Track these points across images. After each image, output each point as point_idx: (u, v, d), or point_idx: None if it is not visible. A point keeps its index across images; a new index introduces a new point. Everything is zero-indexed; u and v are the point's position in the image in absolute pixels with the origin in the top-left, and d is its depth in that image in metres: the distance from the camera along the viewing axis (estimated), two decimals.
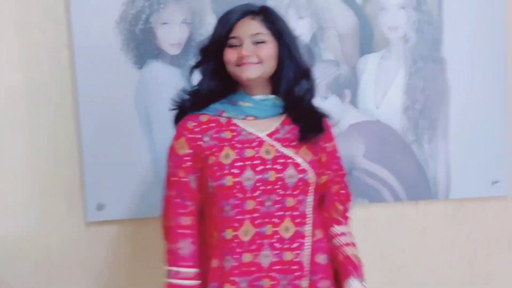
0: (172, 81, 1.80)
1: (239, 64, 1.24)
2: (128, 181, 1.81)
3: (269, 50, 1.26)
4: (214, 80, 1.31)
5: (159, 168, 1.71)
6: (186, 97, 1.35)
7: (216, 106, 1.32)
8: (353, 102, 1.89)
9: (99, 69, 1.89)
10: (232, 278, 1.23)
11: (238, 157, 1.25)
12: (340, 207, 1.41)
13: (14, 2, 1.93)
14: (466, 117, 2.03)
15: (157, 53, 1.87)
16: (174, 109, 1.37)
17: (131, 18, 1.86)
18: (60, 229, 1.95)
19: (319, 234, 1.32)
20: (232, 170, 1.23)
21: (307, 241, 1.27)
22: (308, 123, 1.32)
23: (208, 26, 1.79)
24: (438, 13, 1.97)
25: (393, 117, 2.00)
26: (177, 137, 1.32)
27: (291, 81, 1.31)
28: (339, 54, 1.92)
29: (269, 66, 1.28)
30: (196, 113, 1.32)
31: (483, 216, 2.08)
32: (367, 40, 1.96)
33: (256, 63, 1.24)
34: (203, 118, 1.31)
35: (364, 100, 1.97)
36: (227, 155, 1.25)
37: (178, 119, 1.35)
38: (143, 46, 1.87)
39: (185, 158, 1.28)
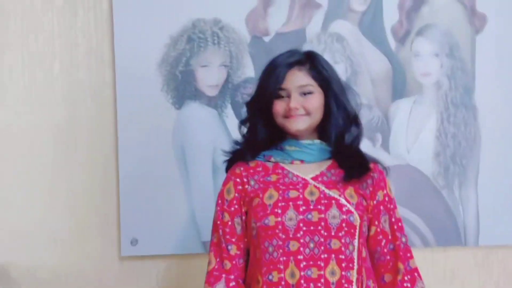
0: (208, 121, 1.87)
1: (287, 116, 1.25)
2: (162, 218, 1.85)
3: (316, 101, 1.27)
4: (263, 131, 1.32)
5: (192, 207, 1.78)
6: (237, 147, 1.37)
7: (265, 153, 1.34)
8: (384, 146, 1.89)
9: (139, 108, 1.95)
10: None
11: (281, 197, 1.24)
12: (401, 267, 1.32)
13: (61, 40, 2.00)
14: (497, 165, 2.02)
15: (196, 94, 1.92)
16: (226, 160, 1.39)
17: (172, 60, 1.92)
18: (95, 262, 1.99)
19: (370, 283, 1.27)
20: (275, 210, 1.23)
21: (354, 287, 1.23)
22: (353, 164, 1.30)
23: (244, 68, 1.89)
24: (471, 61, 1.98)
25: (424, 162, 2.00)
26: (225, 182, 1.34)
27: (340, 128, 1.31)
28: (372, 98, 1.93)
29: (317, 116, 1.28)
30: (245, 161, 1.35)
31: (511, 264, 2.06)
32: (400, 85, 1.98)
33: (304, 115, 1.25)
34: (252, 163, 1.32)
35: (396, 144, 1.98)
36: (271, 196, 1.25)
37: (229, 168, 1.38)
38: (182, 87, 1.93)
39: (232, 202, 1.30)
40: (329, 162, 1.32)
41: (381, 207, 1.34)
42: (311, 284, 1.19)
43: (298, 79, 1.26)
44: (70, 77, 1.97)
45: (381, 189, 1.35)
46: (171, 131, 1.92)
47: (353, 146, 1.33)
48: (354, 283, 1.21)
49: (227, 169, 1.37)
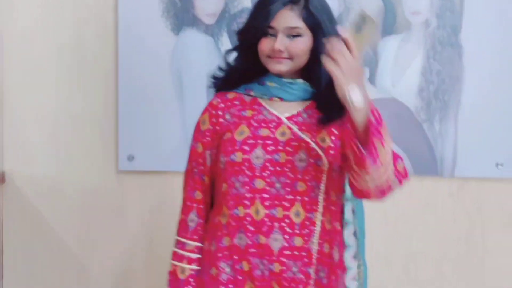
0: (205, 48, 1.91)
1: (270, 56, 1.21)
2: (157, 137, 1.92)
3: (302, 45, 1.20)
4: (248, 62, 1.28)
5: (186, 128, 1.80)
6: (221, 75, 1.33)
7: (246, 86, 1.30)
8: (371, 79, 1.93)
9: (139, 32, 2.00)
10: (248, 257, 1.20)
11: (251, 134, 1.22)
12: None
13: None
14: (477, 102, 2.04)
15: (193, 22, 1.94)
16: (211, 87, 1.37)
17: None
18: (94, 175, 2.08)
19: (333, 226, 1.25)
20: (243, 147, 1.21)
21: (317, 229, 1.22)
22: (333, 107, 1.19)
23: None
24: (460, 1, 1.99)
25: (408, 96, 2.04)
26: (203, 113, 1.32)
27: (326, 74, 1.15)
28: None
29: (301, 60, 1.23)
30: (225, 91, 1.32)
31: (485, 196, 2.10)
32: (389, 22, 1.98)
33: (287, 58, 1.20)
34: (230, 95, 1.30)
35: (382, 78, 2.01)
36: (242, 132, 1.23)
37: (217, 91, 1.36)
38: (181, 14, 1.96)
39: (205, 133, 1.28)
40: (307, 103, 1.28)
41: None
42: (275, 224, 1.19)
43: (288, 20, 1.20)
44: (76, 2, 2.01)
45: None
46: (169, 55, 1.95)
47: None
48: (317, 225, 1.21)
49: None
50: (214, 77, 1.34)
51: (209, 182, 1.29)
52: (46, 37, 2.04)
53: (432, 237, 1.97)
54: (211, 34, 1.89)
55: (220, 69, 1.33)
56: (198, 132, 1.30)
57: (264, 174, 1.19)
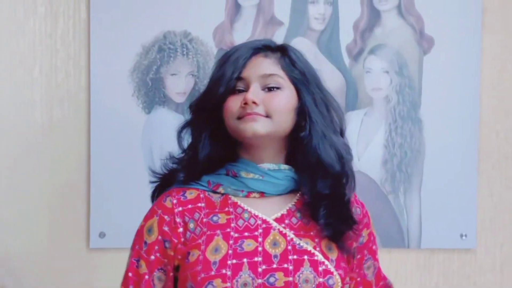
0: (175, 125, 1.91)
1: (241, 116, 0.91)
2: (128, 214, 1.88)
3: (283, 100, 0.93)
4: (208, 144, 0.97)
5: None
6: (172, 166, 1.04)
7: (210, 179, 0.98)
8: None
9: (111, 111, 1.98)
10: None
11: (231, 251, 0.90)
12: None
13: (42, 46, 2.01)
14: (439, 173, 2.07)
15: (164, 100, 1.97)
16: (154, 182, 1.07)
17: (143, 68, 1.99)
18: (65, 252, 2.02)
19: None
20: (223, 271, 0.88)
21: None
22: (332, 219, 0.94)
23: None
24: (418, 79, 2.06)
25: (373, 169, 2.05)
26: (148, 216, 0.99)
27: (318, 146, 0.93)
28: None
29: (282, 121, 0.93)
30: (182, 186, 0.99)
31: (451, 266, 2.10)
32: (352, 98, 2.02)
33: (265, 116, 0.91)
34: (190, 194, 0.97)
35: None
36: (217, 248, 0.90)
37: (157, 194, 1.05)
38: (152, 93, 1.99)
39: (152, 247, 0.94)
40: (296, 197, 1.00)
41: (365, 251, 1.07)
42: None
43: (263, 66, 0.93)
44: (49, 80, 2.00)
45: (365, 227, 1.09)
46: (140, 133, 1.95)
47: (340, 191, 0.97)
48: None
49: (153, 197, 1.07)
50: (164, 171, 1.05)
51: None
52: (17, 117, 2.03)
53: None
54: (181, 112, 1.92)
55: (172, 157, 1.04)
56: (140, 244, 0.96)
57: None
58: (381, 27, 2.05)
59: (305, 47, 1.98)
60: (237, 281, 0.86)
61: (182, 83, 1.96)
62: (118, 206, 1.91)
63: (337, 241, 0.95)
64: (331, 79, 1.98)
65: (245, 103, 0.89)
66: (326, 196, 0.93)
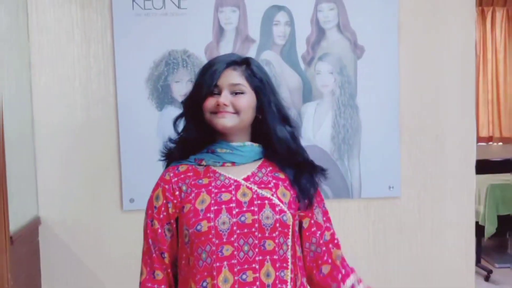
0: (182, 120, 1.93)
1: (215, 111, 1.12)
2: (149, 184, 1.76)
3: (246, 101, 1.14)
4: (196, 131, 1.18)
5: None
6: (170, 146, 1.24)
7: (196, 156, 1.19)
8: (299, 133, 1.61)
9: (133, 111, 2.26)
10: None
11: (213, 201, 1.09)
12: (338, 253, 1.25)
13: (79, 64, 2.26)
14: (372, 144, 2.34)
15: (171, 101, 2.21)
16: (161, 159, 1.25)
17: (155, 77, 2.25)
18: (105, 214, 2.30)
19: (304, 281, 1.18)
20: (208, 214, 1.07)
21: (289, 287, 1.09)
22: (284, 156, 1.17)
23: None
24: (354, 76, 2.34)
25: (324, 142, 2.32)
26: (155, 189, 1.19)
27: (272, 130, 1.16)
28: (289, 102, 2.20)
29: (246, 116, 1.15)
30: (176, 164, 1.19)
31: (383, 210, 2.40)
32: (308, 93, 2.29)
33: (233, 113, 1.12)
34: (182, 168, 1.18)
35: (306, 131, 2.29)
36: (203, 201, 1.10)
37: (165, 167, 1.23)
38: (162, 96, 2.26)
39: (160, 209, 1.14)
40: (259, 162, 1.20)
41: (314, 200, 1.23)
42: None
43: (231, 77, 1.14)
44: (86, 89, 2.28)
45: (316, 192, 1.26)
46: (155, 125, 2.20)
47: (289, 143, 1.18)
48: (288, 283, 1.09)
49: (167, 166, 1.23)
50: (166, 150, 1.24)
51: (170, 259, 1.15)
52: (63, 118, 2.29)
53: (348, 242, 1.97)
54: None
55: (171, 140, 1.24)
56: (151, 209, 1.16)
57: (232, 239, 1.06)
58: (326, 41, 2.31)
59: (272, 57, 2.29)
60: (217, 221, 1.06)
61: (183, 88, 2.19)
62: (142, 179, 1.98)
63: (297, 183, 1.17)
64: (291, 80, 2.31)
65: (218, 104, 1.10)
66: (286, 156, 1.16)
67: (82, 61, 2.30)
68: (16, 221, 2.10)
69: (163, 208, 1.14)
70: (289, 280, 1.09)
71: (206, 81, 1.14)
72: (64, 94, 2.31)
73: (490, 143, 4.29)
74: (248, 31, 2.28)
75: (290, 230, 1.11)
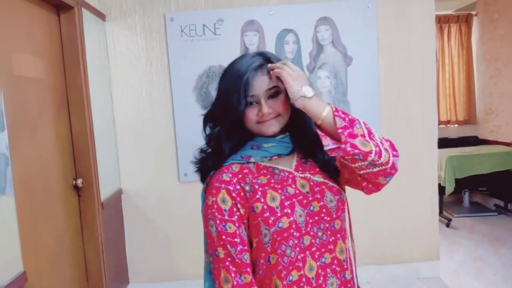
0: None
1: (260, 121, 0.83)
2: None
3: (284, 101, 0.83)
4: (229, 139, 0.87)
5: None
6: (202, 156, 0.90)
7: (241, 154, 0.87)
8: None
9: (185, 111, 2.31)
10: None
11: (284, 197, 0.82)
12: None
13: (148, 79, 2.27)
14: None
15: (211, 103, 2.15)
16: (197, 170, 0.90)
17: (199, 86, 2.30)
18: (167, 184, 2.36)
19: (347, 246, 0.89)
20: (285, 210, 0.81)
21: (351, 254, 0.88)
22: (317, 148, 0.85)
23: None
24: (345, 80, 2.33)
25: None
26: (215, 193, 0.81)
27: (305, 118, 0.85)
28: None
29: (288, 114, 0.86)
30: (227, 164, 0.85)
31: None
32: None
33: (276, 117, 0.84)
34: (236, 168, 0.85)
35: None
36: (274, 198, 0.82)
37: (204, 177, 0.88)
38: (205, 100, 2.30)
39: (232, 210, 0.81)
40: (295, 153, 0.90)
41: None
42: (328, 270, 0.84)
43: (265, 83, 0.82)
44: (150, 97, 2.28)
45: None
46: (200, 121, 1.83)
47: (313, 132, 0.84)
48: (349, 251, 0.88)
49: (203, 179, 0.89)
50: (200, 160, 0.90)
51: (250, 260, 0.82)
52: (135, 117, 2.31)
53: None
54: None
55: (202, 150, 0.91)
56: (221, 213, 0.80)
57: (308, 228, 0.82)
58: (323, 54, 2.32)
59: None
60: (295, 215, 0.81)
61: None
62: (192, 159, 2.00)
63: (327, 165, 0.88)
64: None
65: (262, 115, 0.82)
66: (314, 144, 0.86)
67: (147, 76, 2.35)
68: (106, 192, 2.17)
69: (234, 209, 0.81)
70: (350, 248, 0.89)
71: (241, 94, 0.80)
72: (134, 100, 2.37)
73: (449, 125, 4.27)
74: (266, 49, 2.18)
75: (347, 204, 0.88)
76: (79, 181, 1.96)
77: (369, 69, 2.37)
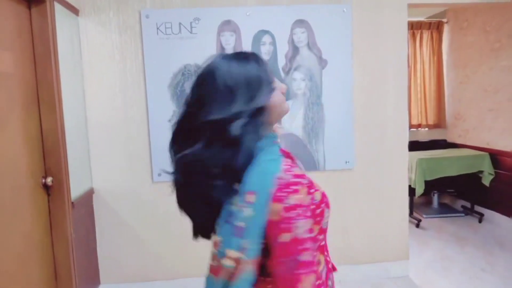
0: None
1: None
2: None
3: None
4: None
5: None
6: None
7: (280, 146, 0.81)
8: (279, 122, 1.98)
9: (159, 108, 2.29)
10: None
11: (316, 187, 0.79)
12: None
13: (120, 77, 2.25)
14: (333, 131, 2.37)
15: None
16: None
17: (174, 85, 2.28)
18: (139, 184, 2.34)
19: None
20: (324, 199, 0.79)
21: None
22: None
23: None
24: (320, 82, 2.36)
25: (298, 131, 2.35)
26: (297, 189, 0.68)
27: None
28: None
29: None
30: (280, 157, 0.75)
31: (341, 179, 2.43)
32: (286, 95, 1.99)
33: None
34: (287, 160, 0.76)
35: (284, 123, 2.31)
36: (316, 189, 0.78)
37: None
38: (180, 99, 2.28)
39: (311, 207, 0.73)
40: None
41: None
42: (327, 252, 0.84)
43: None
44: (124, 94, 2.29)
45: None
46: (175, 120, 2.18)
47: None
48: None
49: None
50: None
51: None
52: (109, 115, 2.28)
53: None
54: None
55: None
56: (306, 210, 0.69)
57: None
58: (299, 56, 2.34)
59: None
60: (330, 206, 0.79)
61: None
62: (167, 159, 1.84)
63: None
64: None
65: (284, 91, 0.79)
66: None
67: (121, 74, 2.32)
68: (76, 191, 2.15)
69: (312, 206, 0.75)
70: None
71: (270, 79, 0.76)
72: (108, 98, 2.33)
73: (419, 129, 4.39)
74: (242, 50, 2.15)
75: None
76: (49, 180, 1.93)
77: (343, 72, 2.40)
